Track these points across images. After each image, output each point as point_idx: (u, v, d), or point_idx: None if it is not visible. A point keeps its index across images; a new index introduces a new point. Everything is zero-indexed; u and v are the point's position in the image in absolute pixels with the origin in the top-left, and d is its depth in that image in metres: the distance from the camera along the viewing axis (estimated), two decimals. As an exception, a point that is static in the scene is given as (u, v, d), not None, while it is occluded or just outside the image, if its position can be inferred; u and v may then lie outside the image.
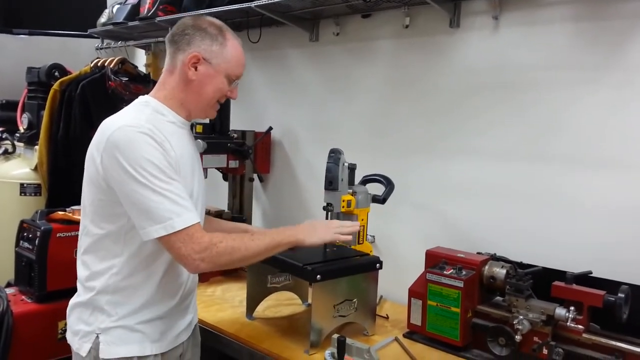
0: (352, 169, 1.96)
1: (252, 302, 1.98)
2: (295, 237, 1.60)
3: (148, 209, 1.38)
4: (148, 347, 1.51)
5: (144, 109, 1.53)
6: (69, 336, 1.57)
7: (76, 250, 2.09)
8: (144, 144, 1.40)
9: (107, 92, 2.80)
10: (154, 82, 3.00)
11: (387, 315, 2.03)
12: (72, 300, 1.58)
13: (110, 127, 1.44)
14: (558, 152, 1.87)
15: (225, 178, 2.74)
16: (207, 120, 2.43)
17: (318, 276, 1.61)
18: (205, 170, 2.13)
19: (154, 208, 1.38)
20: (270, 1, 2.31)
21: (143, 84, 2.92)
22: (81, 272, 1.56)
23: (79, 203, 2.15)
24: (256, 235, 1.58)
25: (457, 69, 2.11)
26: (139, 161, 1.38)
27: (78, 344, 1.52)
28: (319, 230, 1.65)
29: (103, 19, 3.39)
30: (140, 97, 1.59)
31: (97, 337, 1.48)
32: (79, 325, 1.53)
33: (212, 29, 1.56)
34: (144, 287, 1.50)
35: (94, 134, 1.50)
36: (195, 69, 1.53)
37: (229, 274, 2.43)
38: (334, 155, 1.89)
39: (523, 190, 1.95)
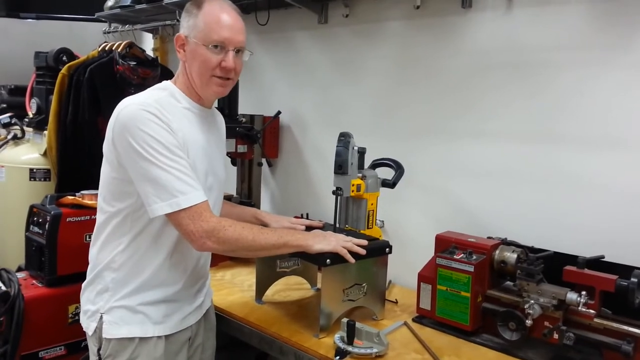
0: (361, 152, 1.94)
1: (261, 287, 1.98)
2: (304, 241, 1.58)
3: (154, 186, 1.40)
4: (150, 328, 1.53)
5: (159, 92, 1.55)
6: (80, 316, 1.61)
7: (86, 235, 2.13)
8: (149, 121, 1.41)
9: (115, 76, 2.78)
10: (162, 66, 3.03)
11: (396, 299, 2.02)
12: (84, 282, 1.61)
13: (120, 106, 1.47)
14: (570, 134, 1.84)
15: (233, 163, 2.73)
16: (215, 104, 2.41)
17: (328, 260, 1.60)
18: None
19: (160, 185, 1.40)
20: (278, -18, 2.29)
21: (151, 68, 2.90)
22: (92, 249, 1.60)
23: (88, 187, 2.19)
24: (266, 229, 1.60)
25: (468, 50, 2.08)
26: (145, 138, 1.40)
27: (86, 324, 1.57)
28: (328, 238, 1.63)
29: (110, 2, 3.36)
30: (161, 83, 1.61)
31: (101, 316, 1.52)
32: (87, 305, 1.57)
33: (190, 6, 1.57)
34: (148, 266, 1.52)
35: (102, 118, 1.51)
36: (184, 50, 1.56)
37: (238, 258, 2.43)
38: (344, 139, 1.88)
39: (534, 173, 1.92)
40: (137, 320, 1.52)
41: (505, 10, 1.97)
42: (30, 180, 2.94)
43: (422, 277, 1.82)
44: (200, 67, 1.53)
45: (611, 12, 1.75)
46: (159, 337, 1.54)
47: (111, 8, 3.34)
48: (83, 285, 1.61)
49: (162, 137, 1.41)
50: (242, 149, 2.54)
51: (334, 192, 1.86)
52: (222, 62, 1.52)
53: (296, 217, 1.99)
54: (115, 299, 1.51)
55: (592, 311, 1.53)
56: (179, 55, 1.57)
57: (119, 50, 2.86)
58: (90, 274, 1.58)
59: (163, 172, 1.39)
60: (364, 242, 1.68)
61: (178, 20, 2.77)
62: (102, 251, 1.55)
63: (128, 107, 1.44)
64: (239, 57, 1.57)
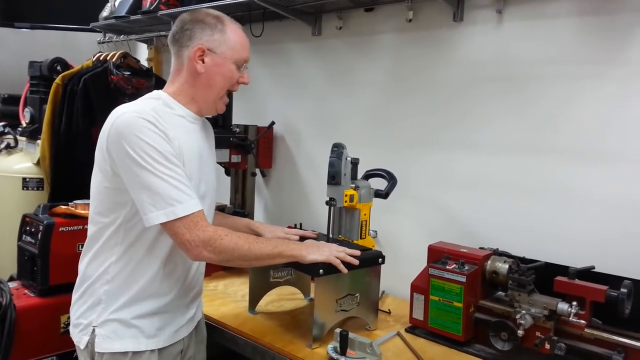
0: (354, 163, 1.96)
1: (255, 297, 1.98)
2: (298, 252, 1.60)
3: (150, 194, 1.39)
4: (143, 342, 1.52)
5: (153, 101, 1.54)
6: (71, 329, 1.59)
7: (79, 244, 2.13)
8: (146, 129, 1.41)
9: (109, 86, 2.79)
10: (156, 77, 3.04)
11: (389, 310, 2.03)
12: (74, 294, 1.59)
13: (116, 113, 1.46)
14: (561, 146, 1.86)
15: (227, 173, 2.74)
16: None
17: (321, 271, 1.61)
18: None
19: (155, 193, 1.39)
20: (272, -6, 2.31)
21: (145, 78, 2.91)
22: (81, 261, 1.58)
23: (81, 197, 2.18)
24: (261, 239, 1.60)
25: (460, 63, 2.10)
26: (141, 146, 1.39)
27: (78, 337, 1.54)
28: (321, 249, 1.65)
29: (105, 12, 3.38)
30: (153, 92, 1.60)
31: (94, 330, 1.50)
32: (78, 318, 1.55)
33: (209, 18, 1.56)
34: (142, 276, 1.51)
35: (96, 128, 1.51)
36: (203, 61, 1.54)
37: (231, 268, 2.43)
38: (337, 150, 1.89)
39: (526, 184, 1.94)
40: (131, 334, 1.50)
41: (496, 24, 2.00)
42: (23, 189, 2.93)
43: (415, 288, 1.83)
44: (224, 82, 1.56)
45: (601, 26, 1.78)
46: (152, 350, 1.53)
47: (106, 18, 3.36)
48: (73, 298, 1.59)
49: (159, 145, 1.41)
50: (235, 159, 2.54)
51: (327, 203, 1.87)
52: (240, 78, 1.59)
53: (289, 227, 2.00)
54: (108, 312, 1.50)
55: (582, 321, 1.54)
56: (197, 67, 1.53)
57: (113, 60, 2.87)
58: (80, 287, 1.56)
59: (159, 180, 1.39)
60: (357, 253, 1.69)
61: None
62: (93, 263, 1.53)
63: (125, 115, 1.43)
64: None
